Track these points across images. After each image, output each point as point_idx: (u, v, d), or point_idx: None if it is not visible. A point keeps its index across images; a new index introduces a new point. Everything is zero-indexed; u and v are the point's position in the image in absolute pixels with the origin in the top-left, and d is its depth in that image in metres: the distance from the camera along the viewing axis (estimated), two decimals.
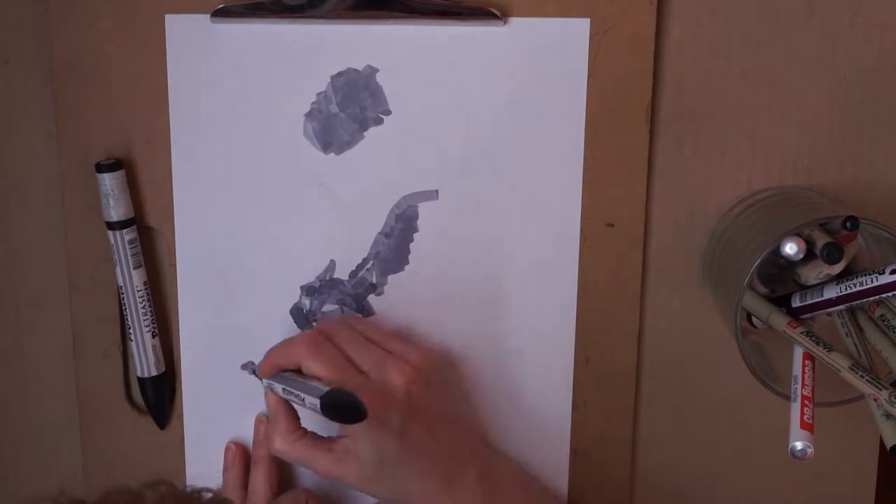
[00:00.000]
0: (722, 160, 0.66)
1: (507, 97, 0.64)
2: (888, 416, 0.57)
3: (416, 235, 0.66)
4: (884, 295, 0.59)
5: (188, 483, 0.68)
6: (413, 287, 0.67)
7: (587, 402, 0.68)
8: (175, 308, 0.68)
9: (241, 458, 0.68)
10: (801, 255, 0.59)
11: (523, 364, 0.67)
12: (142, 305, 0.66)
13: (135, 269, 0.66)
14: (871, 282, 0.59)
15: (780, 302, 0.62)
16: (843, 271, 0.61)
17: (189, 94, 0.65)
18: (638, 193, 0.65)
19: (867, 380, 0.57)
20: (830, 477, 0.69)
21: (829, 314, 0.62)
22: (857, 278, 0.59)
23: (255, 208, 0.66)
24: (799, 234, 0.59)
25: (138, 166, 0.66)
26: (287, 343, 0.64)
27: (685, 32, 0.64)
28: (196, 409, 0.69)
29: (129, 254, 0.65)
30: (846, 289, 0.60)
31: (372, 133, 0.65)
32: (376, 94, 0.65)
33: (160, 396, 0.68)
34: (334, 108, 0.65)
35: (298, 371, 0.63)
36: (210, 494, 0.46)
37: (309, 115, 0.65)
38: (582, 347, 0.67)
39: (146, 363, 0.67)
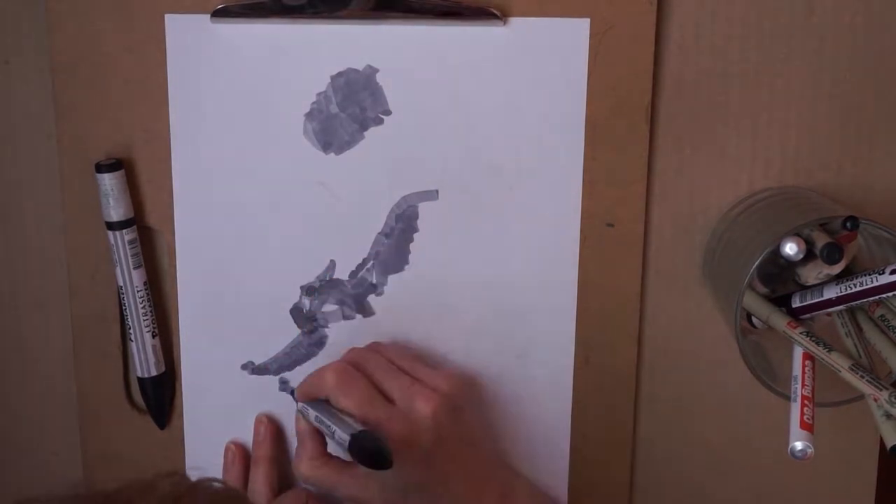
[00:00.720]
0: (722, 160, 0.66)
1: (507, 97, 0.64)
2: (888, 416, 0.57)
3: (416, 235, 0.66)
4: (884, 295, 0.59)
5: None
6: (413, 287, 0.67)
7: (587, 402, 0.68)
8: (175, 308, 0.68)
9: (241, 458, 0.68)
10: (801, 255, 0.59)
11: (523, 364, 0.67)
12: (142, 305, 0.66)
13: (135, 269, 0.66)
14: (871, 282, 0.59)
15: (780, 302, 0.62)
16: (843, 271, 0.61)
17: (189, 94, 0.65)
18: (638, 193, 0.65)
19: (867, 380, 0.57)
20: (830, 477, 0.69)
21: (829, 314, 0.62)
22: (857, 278, 0.59)
23: (255, 208, 0.66)
24: (799, 234, 0.59)
25: (138, 166, 0.66)
26: (316, 374, 0.64)
27: (685, 32, 0.64)
28: (196, 409, 0.69)
29: (129, 254, 0.65)
30: (846, 289, 0.60)
31: (372, 133, 0.65)
32: (376, 94, 0.65)
33: (160, 396, 0.68)
34: (334, 108, 0.65)
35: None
36: (219, 485, 0.46)
37: (309, 115, 0.65)
38: (582, 347, 0.67)
39: (146, 363, 0.67)
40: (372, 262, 0.67)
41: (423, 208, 0.66)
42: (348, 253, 0.67)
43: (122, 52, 0.64)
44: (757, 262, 0.58)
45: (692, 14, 0.64)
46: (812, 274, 0.61)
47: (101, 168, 0.64)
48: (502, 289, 0.67)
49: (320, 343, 0.68)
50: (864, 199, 0.66)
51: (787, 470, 0.69)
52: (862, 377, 0.57)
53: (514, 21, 0.63)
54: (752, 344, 0.63)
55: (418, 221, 0.66)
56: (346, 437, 0.59)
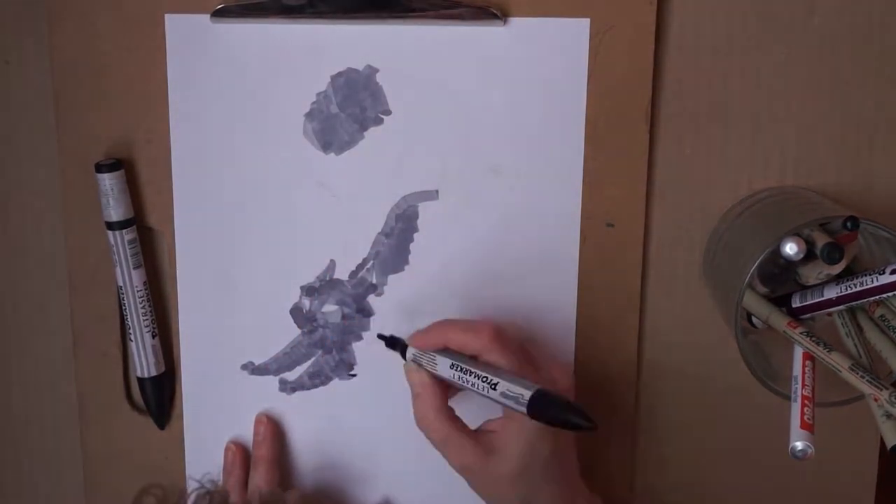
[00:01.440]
0: (722, 160, 0.66)
1: (507, 97, 0.64)
2: (888, 416, 0.57)
3: (416, 235, 0.66)
4: (884, 295, 0.59)
5: (188, 482, 0.68)
6: (413, 287, 0.67)
7: (587, 402, 0.68)
8: (175, 308, 0.68)
9: (242, 458, 0.68)
10: (801, 255, 0.59)
11: None
12: (142, 305, 0.66)
13: (135, 269, 0.66)
14: (871, 282, 0.59)
15: (780, 302, 0.62)
16: (843, 271, 0.61)
17: (189, 94, 0.65)
18: (638, 193, 0.65)
19: (867, 380, 0.57)
20: (830, 477, 0.69)
21: (830, 314, 0.62)
22: (857, 278, 0.59)
23: (256, 208, 0.66)
24: (799, 234, 0.59)
25: (138, 166, 0.66)
26: (467, 326, 0.61)
27: (685, 32, 0.64)
28: (196, 409, 0.69)
29: (129, 254, 0.65)
30: (846, 289, 0.60)
31: (372, 133, 0.65)
32: (376, 94, 0.65)
33: (160, 396, 0.68)
34: (334, 108, 0.65)
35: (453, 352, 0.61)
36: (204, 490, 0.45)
37: (309, 115, 0.65)
38: (582, 347, 0.67)
39: (146, 363, 0.67)
40: (372, 262, 0.67)
41: (423, 208, 0.66)
42: (348, 253, 0.67)
43: (122, 51, 0.64)
44: (757, 262, 0.58)
45: (692, 14, 0.64)
46: (812, 274, 0.61)
47: (101, 168, 0.64)
48: (502, 288, 0.67)
49: (320, 343, 0.68)
50: (864, 199, 0.66)
51: (787, 470, 0.69)
52: (862, 377, 0.57)
53: (514, 21, 0.63)
54: (752, 344, 0.63)
55: (418, 221, 0.66)
56: (522, 392, 0.56)
